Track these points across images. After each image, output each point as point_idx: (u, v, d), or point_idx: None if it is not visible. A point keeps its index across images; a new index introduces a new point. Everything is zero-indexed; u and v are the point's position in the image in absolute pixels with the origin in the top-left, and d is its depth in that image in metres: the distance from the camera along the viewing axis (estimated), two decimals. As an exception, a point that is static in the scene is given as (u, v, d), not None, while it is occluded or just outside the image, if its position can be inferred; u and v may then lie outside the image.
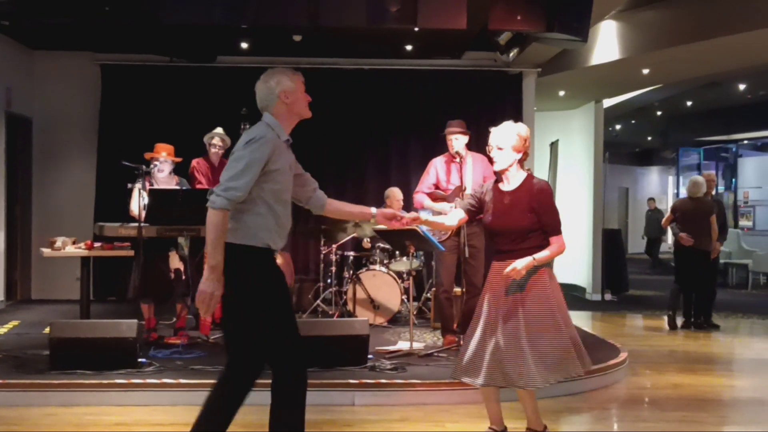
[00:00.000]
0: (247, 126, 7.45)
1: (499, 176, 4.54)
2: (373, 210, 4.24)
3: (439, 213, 6.57)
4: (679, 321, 9.49)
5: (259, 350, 3.75)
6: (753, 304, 12.25)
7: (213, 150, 7.99)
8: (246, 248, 3.66)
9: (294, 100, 3.95)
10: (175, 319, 7.43)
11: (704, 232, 9.18)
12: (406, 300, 8.42)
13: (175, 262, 7.15)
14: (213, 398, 3.81)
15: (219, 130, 8.08)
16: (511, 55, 9.73)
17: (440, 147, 7.29)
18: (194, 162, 7.94)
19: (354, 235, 8.60)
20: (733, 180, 19.89)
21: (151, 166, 7.17)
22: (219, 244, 3.57)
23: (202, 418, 3.78)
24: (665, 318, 9.68)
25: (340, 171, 10.61)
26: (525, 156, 4.52)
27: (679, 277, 9.49)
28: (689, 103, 17.19)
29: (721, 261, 14.27)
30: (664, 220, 9.84)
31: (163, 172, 7.21)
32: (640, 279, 16.13)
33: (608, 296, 12.58)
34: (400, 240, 6.69)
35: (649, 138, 23.33)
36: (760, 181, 17.84)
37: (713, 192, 9.89)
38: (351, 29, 8.68)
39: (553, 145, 12.31)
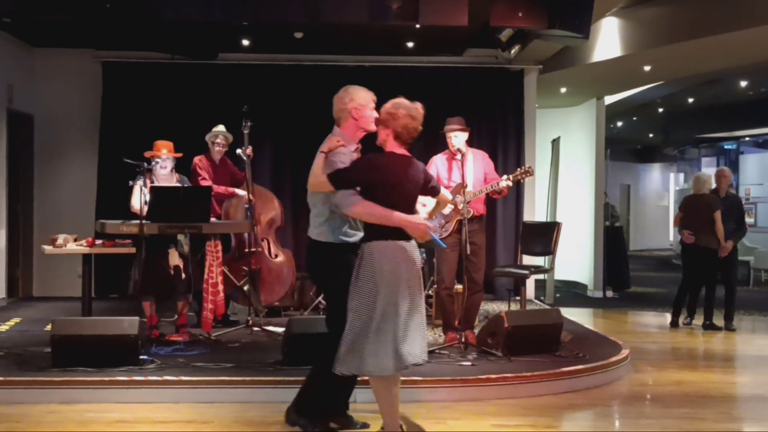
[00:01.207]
0: (249, 123, 7.47)
1: None
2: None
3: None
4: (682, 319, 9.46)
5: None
6: (754, 301, 12.24)
7: (216, 148, 7.99)
8: (336, 245, 4.53)
9: (361, 116, 4.70)
10: (176, 317, 7.42)
11: (706, 230, 8.98)
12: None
13: (175, 260, 7.14)
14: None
15: (221, 128, 8.07)
16: (513, 52, 9.72)
17: (442, 144, 7.27)
18: (196, 159, 7.94)
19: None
20: (735, 177, 19.87)
21: (153, 163, 7.16)
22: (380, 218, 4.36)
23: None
24: (667, 315, 9.66)
25: (341, 168, 10.57)
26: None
27: (684, 276, 9.42)
28: (691, 100, 17.13)
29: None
30: (674, 218, 9.66)
31: (165, 169, 7.21)
32: (641, 276, 16.12)
33: (610, 293, 12.56)
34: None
35: (651, 135, 23.27)
36: (762, 178, 17.80)
37: (727, 188, 9.47)
38: (352, 26, 8.67)
39: (555, 142, 12.30)
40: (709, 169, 21.03)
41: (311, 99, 10.32)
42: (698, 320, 9.36)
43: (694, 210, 9.16)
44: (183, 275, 7.09)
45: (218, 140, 7.98)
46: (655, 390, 6.40)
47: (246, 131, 7.43)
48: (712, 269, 9.15)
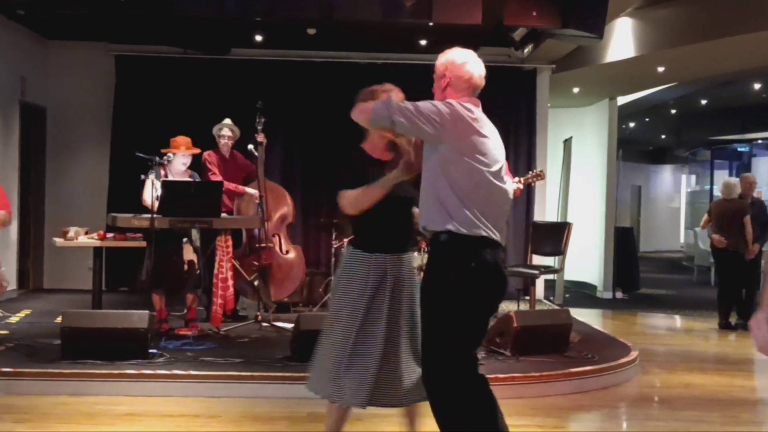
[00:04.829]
0: (263, 119, 7.47)
1: None
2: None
3: None
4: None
5: None
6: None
7: (222, 141, 7.99)
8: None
9: None
10: (186, 311, 7.44)
11: (736, 234, 9.16)
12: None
13: (189, 254, 7.16)
14: None
15: (227, 121, 8.07)
16: (526, 51, 9.69)
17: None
18: (205, 154, 7.94)
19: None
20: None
21: (165, 158, 7.16)
22: None
23: None
24: (677, 318, 9.61)
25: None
26: None
27: (720, 279, 9.55)
28: (704, 102, 17.09)
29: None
30: (702, 222, 9.81)
31: (184, 165, 7.24)
32: (651, 277, 16.06)
33: (619, 294, 12.52)
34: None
35: (663, 136, 23.21)
36: (774, 181, 17.74)
37: (753, 193, 9.68)
38: (365, 23, 8.67)
39: (567, 142, 12.27)
40: (721, 172, 20.98)
41: (323, 96, 10.34)
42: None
43: (724, 214, 9.28)
44: (196, 269, 7.13)
45: (223, 132, 7.97)
46: (663, 392, 6.39)
47: (260, 127, 7.44)
48: (745, 271, 9.28)
